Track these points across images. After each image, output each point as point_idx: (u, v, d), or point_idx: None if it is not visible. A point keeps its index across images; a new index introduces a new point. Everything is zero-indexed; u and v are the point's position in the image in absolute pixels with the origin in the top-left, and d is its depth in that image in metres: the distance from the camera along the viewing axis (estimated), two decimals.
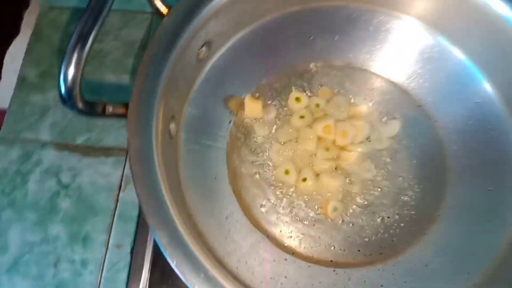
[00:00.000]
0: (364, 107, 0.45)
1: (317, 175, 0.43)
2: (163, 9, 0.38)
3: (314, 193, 0.43)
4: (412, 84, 0.46)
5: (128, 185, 0.46)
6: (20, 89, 0.50)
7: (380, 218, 0.41)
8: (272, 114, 0.46)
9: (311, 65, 0.47)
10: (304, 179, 0.43)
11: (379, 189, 0.42)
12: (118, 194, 0.45)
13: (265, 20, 0.43)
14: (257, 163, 0.44)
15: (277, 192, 0.43)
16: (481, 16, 0.38)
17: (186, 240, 0.30)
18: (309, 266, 0.39)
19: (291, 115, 0.45)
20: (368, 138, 0.44)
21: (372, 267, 0.39)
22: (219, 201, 0.41)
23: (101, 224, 0.44)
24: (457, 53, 0.42)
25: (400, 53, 0.45)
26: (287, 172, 0.43)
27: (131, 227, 0.44)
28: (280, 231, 0.41)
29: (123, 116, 0.34)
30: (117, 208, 0.45)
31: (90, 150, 0.47)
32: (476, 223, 0.39)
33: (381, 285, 0.37)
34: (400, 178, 0.43)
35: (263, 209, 0.42)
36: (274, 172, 0.43)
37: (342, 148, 0.44)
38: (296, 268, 0.39)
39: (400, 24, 0.44)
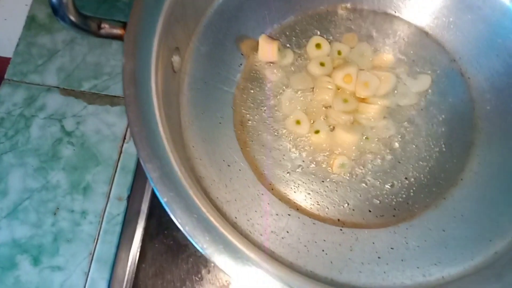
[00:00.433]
0: (391, 57, 0.41)
1: (332, 128, 0.39)
2: None
3: (326, 146, 0.39)
4: (447, 35, 0.41)
5: None
6: (28, 29, 0.47)
7: (397, 179, 0.38)
8: (289, 59, 0.41)
9: (338, 7, 0.42)
10: (317, 131, 0.39)
11: (398, 148, 0.39)
12: (122, 145, 0.43)
13: None
14: (266, 110, 0.40)
15: (286, 144, 0.39)
16: None
17: (181, 178, 0.27)
18: (314, 224, 0.36)
19: (310, 61, 0.41)
20: (393, 92, 0.40)
21: (383, 229, 0.35)
22: (222, 147, 0.38)
23: (103, 175, 0.42)
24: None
25: None
26: (298, 122, 0.39)
27: (132, 177, 0.42)
28: (286, 185, 0.38)
29: (120, 38, 0.30)
30: (120, 159, 0.43)
31: (95, 98, 0.45)
32: (502, 190, 0.35)
33: (391, 248, 0.34)
34: (423, 138, 0.39)
35: (269, 161, 0.39)
36: (284, 122, 0.40)
37: (362, 100, 0.40)
38: (300, 224, 0.36)
39: None
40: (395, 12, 0.42)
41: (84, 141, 0.43)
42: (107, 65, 0.46)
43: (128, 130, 0.44)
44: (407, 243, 0.34)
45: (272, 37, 0.42)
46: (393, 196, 0.37)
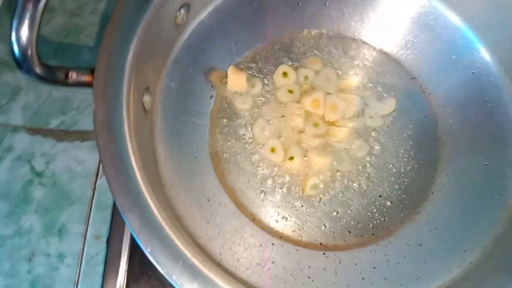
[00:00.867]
0: (355, 80, 0.42)
1: (306, 152, 0.40)
2: None
3: (301, 171, 0.40)
4: (405, 54, 0.43)
5: None
6: None
7: (371, 198, 0.39)
8: (257, 88, 0.42)
9: (300, 34, 0.44)
10: (291, 158, 0.40)
11: (370, 167, 0.40)
12: (96, 181, 0.42)
13: None
14: (241, 141, 0.41)
15: (263, 172, 0.40)
16: None
17: (162, 224, 0.26)
18: (297, 250, 0.36)
19: (278, 89, 0.42)
20: (361, 114, 0.41)
21: (363, 249, 0.36)
22: (200, 182, 0.38)
23: (77, 214, 0.41)
24: (454, 19, 0.39)
25: (393, 20, 0.42)
26: (273, 150, 0.40)
27: (110, 216, 0.41)
28: (267, 214, 0.38)
29: (89, 85, 0.29)
30: (95, 196, 0.42)
31: (64, 134, 0.44)
32: (471, 200, 0.37)
33: (374, 267, 0.35)
34: (393, 156, 0.40)
35: (248, 191, 0.39)
36: (260, 150, 0.40)
37: (332, 124, 0.41)
38: (284, 252, 0.36)
39: None
40: (355, 35, 0.44)
41: (55, 180, 0.42)
42: (75, 99, 0.45)
43: (101, 166, 0.43)
44: (388, 260, 0.35)
45: (240, 67, 0.43)
46: (370, 215, 0.38)
